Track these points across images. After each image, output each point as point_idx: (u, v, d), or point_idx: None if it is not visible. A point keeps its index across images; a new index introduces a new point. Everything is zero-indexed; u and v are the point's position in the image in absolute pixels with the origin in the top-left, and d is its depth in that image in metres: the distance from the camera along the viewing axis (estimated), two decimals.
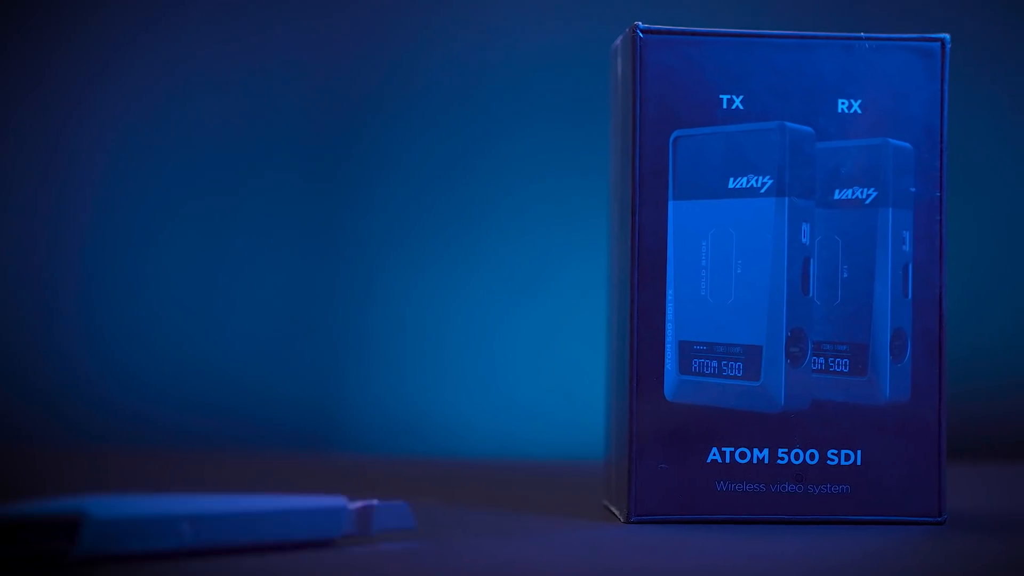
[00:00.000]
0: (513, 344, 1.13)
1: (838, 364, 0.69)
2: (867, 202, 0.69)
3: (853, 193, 0.69)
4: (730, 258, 0.69)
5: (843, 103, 0.69)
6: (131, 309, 1.15)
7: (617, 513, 0.70)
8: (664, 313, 0.68)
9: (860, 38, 0.70)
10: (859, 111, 0.69)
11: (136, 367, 1.15)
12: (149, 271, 1.16)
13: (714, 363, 0.69)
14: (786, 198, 0.68)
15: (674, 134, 0.68)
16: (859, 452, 0.69)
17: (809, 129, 0.69)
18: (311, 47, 1.17)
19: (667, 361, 0.68)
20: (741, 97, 0.69)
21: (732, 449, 0.68)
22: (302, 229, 1.16)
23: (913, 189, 0.69)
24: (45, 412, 1.14)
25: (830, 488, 0.69)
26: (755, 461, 0.68)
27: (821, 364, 0.69)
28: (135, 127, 1.16)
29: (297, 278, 1.16)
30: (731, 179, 0.69)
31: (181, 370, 1.15)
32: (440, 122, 1.16)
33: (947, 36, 0.71)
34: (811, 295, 0.69)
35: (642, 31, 0.69)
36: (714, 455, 0.68)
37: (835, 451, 0.69)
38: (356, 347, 1.11)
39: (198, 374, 1.15)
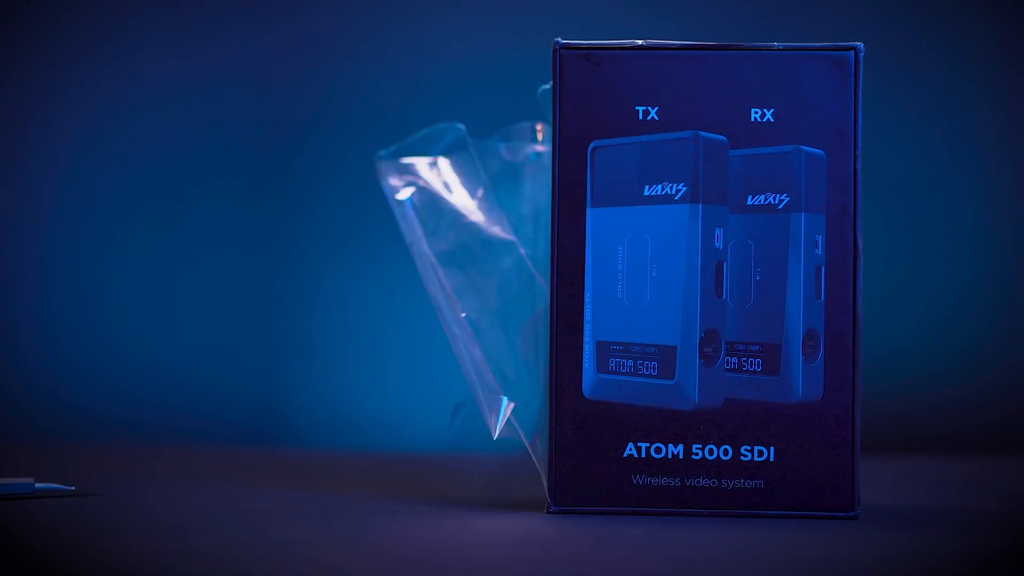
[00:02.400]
0: (448, 344, 1.13)
1: (751, 364, 0.70)
2: (780, 207, 0.71)
3: (766, 199, 0.71)
4: (646, 262, 0.70)
5: (756, 112, 0.71)
6: (86, 311, 1.16)
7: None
8: (582, 314, 0.70)
9: (773, 47, 0.71)
10: (772, 120, 0.71)
11: (90, 366, 1.15)
12: (104, 275, 1.16)
13: (630, 362, 0.70)
14: (700, 204, 0.70)
15: (592, 144, 0.70)
16: (772, 448, 0.70)
17: (722, 138, 0.70)
18: (256, 63, 1.17)
19: (585, 360, 0.70)
20: (656, 108, 0.70)
21: (648, 444, 0.70)
22: (248, 235, 1.17)
23: (825, 194, 0.71)
24: (2, 408, 1.14)
25: (744, 483, 0.70)
26: (670, 456, 0.70)
27: (734, 363, 0.70)
28: (90, 137, 1.17)
29: (244, 282, 1.17)
30: (647, 187, 0.70)
31: (133, 369, 1.15)
32: (379, 132, 1.16)
33: (860, 45, 0.72)
34: (724, 297, 0.70)
35: (562, 46, 0.71)
36: (630, 450, 0.70)
37: (748, 447, 0.70)
38: (300, 347, 1.12)
39: (150, 373, 1.15)
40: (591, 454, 0.70)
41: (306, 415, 1.14)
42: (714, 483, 0.70)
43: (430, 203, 0.82)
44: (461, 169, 0.83)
